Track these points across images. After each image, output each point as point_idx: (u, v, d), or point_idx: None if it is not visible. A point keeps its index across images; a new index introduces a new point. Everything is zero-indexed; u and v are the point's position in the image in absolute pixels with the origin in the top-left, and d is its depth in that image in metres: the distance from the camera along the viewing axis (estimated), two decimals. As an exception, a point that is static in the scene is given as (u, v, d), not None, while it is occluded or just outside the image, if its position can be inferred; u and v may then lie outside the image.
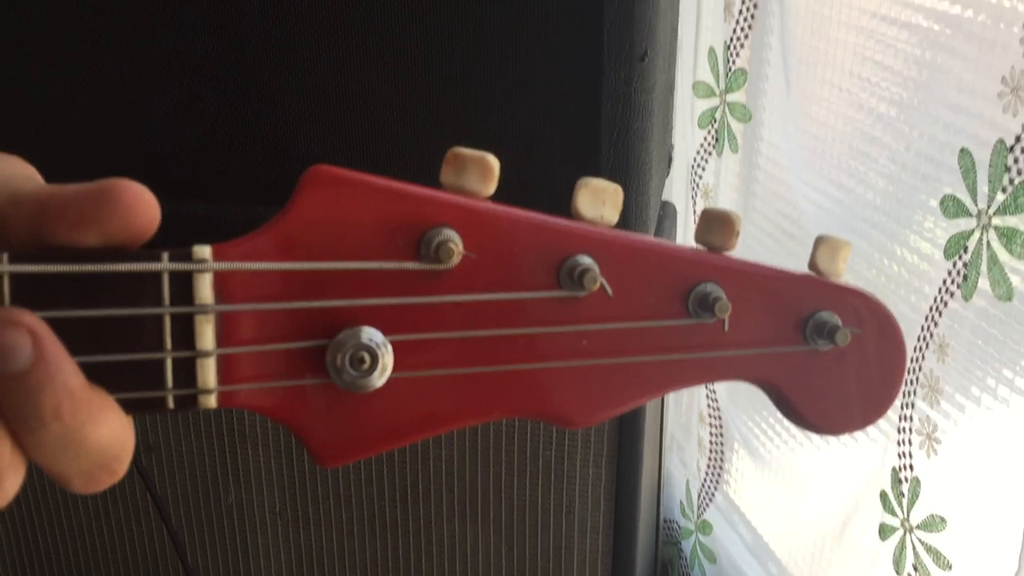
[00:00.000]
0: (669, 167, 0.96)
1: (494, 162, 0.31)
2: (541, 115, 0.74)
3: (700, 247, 0.34)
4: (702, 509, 1.10)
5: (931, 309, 0.67)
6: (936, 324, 0.66)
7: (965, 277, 0.62)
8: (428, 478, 0.87)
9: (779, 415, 0.96)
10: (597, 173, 0.74)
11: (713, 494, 1.08)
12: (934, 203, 0.66)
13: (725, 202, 0.98)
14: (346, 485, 0.89)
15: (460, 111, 0.75)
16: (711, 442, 1.05)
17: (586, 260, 0.31)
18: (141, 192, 0.29)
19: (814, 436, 0.88)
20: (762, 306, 0.34)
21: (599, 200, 0.32)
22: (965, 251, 0.62)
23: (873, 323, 0.35)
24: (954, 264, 0.64)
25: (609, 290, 0.32)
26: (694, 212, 1.03)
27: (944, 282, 0.65)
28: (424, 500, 0.88)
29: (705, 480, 1.09)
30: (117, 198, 0.28)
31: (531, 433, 0.84)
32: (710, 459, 1.06)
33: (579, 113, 0.72)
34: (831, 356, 0.35)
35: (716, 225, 0.33)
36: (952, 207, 0.63)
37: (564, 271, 0.31)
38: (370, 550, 0.92)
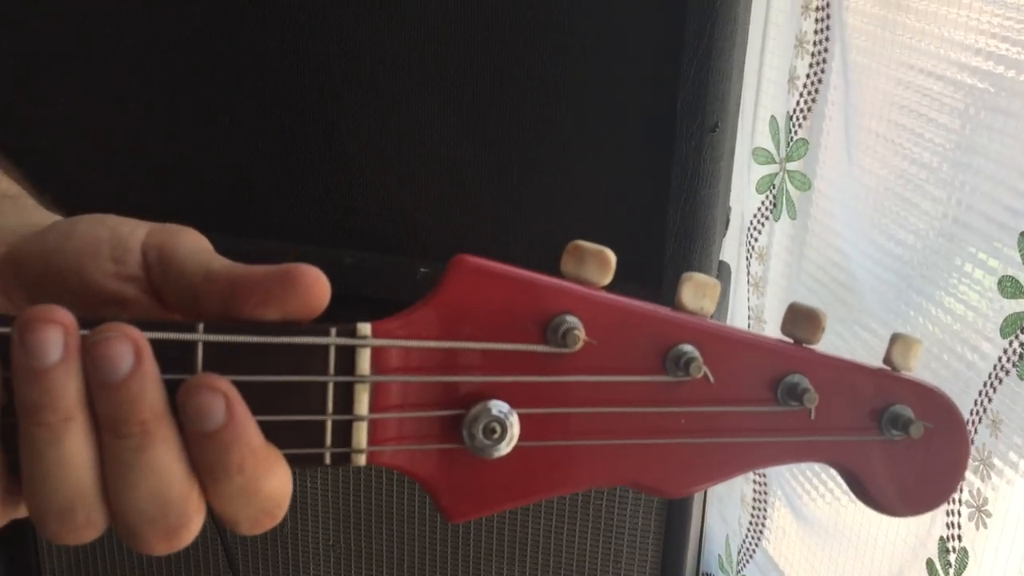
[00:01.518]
0: (726, 228, 0.99)
1: (611, 256, 0.34)
2: (611, 179, 0.77)
3: (787, 339, 0.37)
4: (741, 565, 1.11)
5: (985, 385, 0.69)
6: (990, 400, 0.68)
7: (1021, 356, 0.64)
8: (480, 519, 0.90)
9: (824, 475, 0.98)
10: (663, 236, 0.77)
11: (753, 551, 1.09)
12: (991, 281, 0.68)
13: (778, 264, 1.01)
14: (399, 521, 0.92)
15: (533, 172, 0.79)
16: (754, 498, 1.07)
17: (691, 349, 0.34)
18: (318, 276, 0.33)
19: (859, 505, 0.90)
20: (843, 397, 0.37)
21: (701, 293, 0.35)
22: (1022, 331, 0.64)
23: (942, 417, 0.38)
24: (1010, 343, 0.66)
25: (711, 378, 0.35)
26: (748, 273, 1.05)
27: (999, 359, 0.67)
28: (475, 541, 0.91)
29: (746, 536, 1.10)
30: (299, 281, 0.32)
31: (583, 481, 0.86)
32: (752, 515, 1.08)
33: (649, 179, 0.75)
34: (903, 445, 0.38)
35: (803, 320, 0.37)
36: (1010, 287, 0.66)
37: (670, 358, 0.35)
38: (419, 586, 0.94)
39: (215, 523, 0.96)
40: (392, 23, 0.77)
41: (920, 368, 0.82)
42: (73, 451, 0.30)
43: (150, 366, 0.30)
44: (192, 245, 0.36)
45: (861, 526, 0.91)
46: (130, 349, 0.30)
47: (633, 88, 0.74)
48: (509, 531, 0.90)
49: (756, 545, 1.09)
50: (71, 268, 0.36)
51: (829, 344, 0.90)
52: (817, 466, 0.97)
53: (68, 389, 0.30)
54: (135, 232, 0.37)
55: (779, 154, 0.96)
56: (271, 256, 0.89)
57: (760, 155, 0.99)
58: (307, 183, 0.85)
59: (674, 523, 0.85)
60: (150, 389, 0.30)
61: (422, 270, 0.83)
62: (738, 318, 1.10)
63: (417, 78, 0.78)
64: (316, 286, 0.32)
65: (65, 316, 0.30)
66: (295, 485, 0.93)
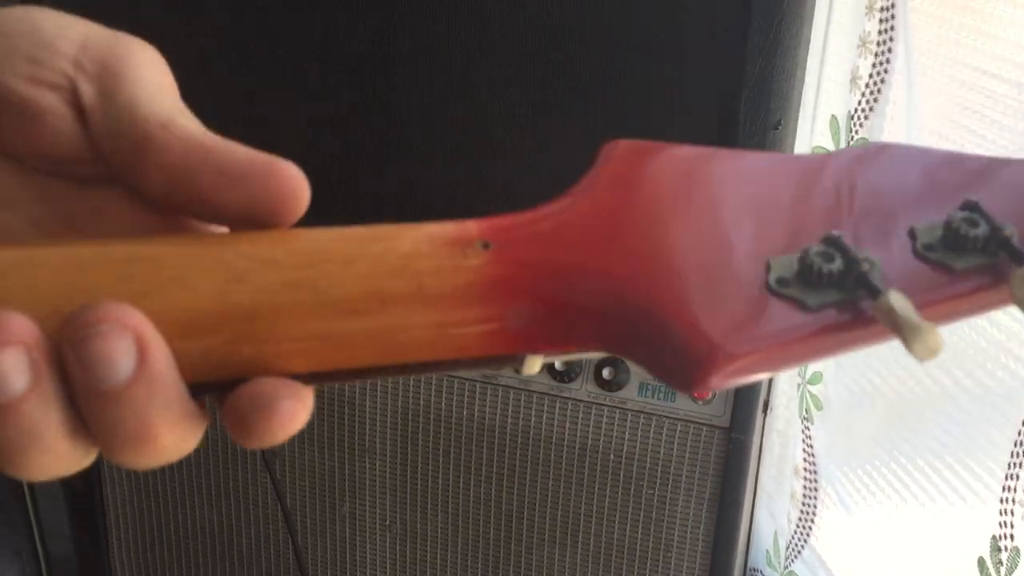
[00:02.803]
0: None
1: None
2: (673, 173, 0.79)
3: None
4: (789, 561, 1.12)
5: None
6: (1048, 401, 0.68)
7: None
8: (534, 505, 0.92)
9: (875, 473, 0.98)
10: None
11: (801, 547, 1.10)
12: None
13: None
14: (455, 504, 0.95)
15: (588, 167, 0.81)
16: (804, 495, 1.08)
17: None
18: (302, 186, 0.28)
19: (912, 497, 0.90)
20: None
21: None
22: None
23: None
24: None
25: None
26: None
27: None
28: (528, 525, 0.93)
29: (795, 532, 1.11)
30: (282, 183, 0.27)
31: (636, 470, 0.88)
32: (801, 512, 1.09)
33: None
34: None
35: None
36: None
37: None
38: (471, 568, 0.96)
39: (282, 507, 0.99)
40: (462, 19, 0.79)
41: (964, 376, 0.82)
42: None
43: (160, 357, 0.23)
44: (153, 76, 0.29)
45: (911, 523, 0.91)
46: (131, 344, 0.23)
47: (697, 84, 0.75)
48: (562, 519, 0.92)
49: (804, 542, 1.10)
50: None
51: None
52: (868, 464, 0.97)
53: (49, 417, 0.23)
54: (66, 32, 0.28)
55: (839, 153, 0.96)
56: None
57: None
58: (370, 165, 0.87)
59: (725, 517, 0.87)
60: (159, 390, 0.23)
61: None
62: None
63: (486, 71, 0.80)
64: (294, 198, 0.27)
65: (21, 327, 0.22)
66: (356, 466, 0.96)
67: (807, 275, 0.27)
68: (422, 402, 0.92)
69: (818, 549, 1.09)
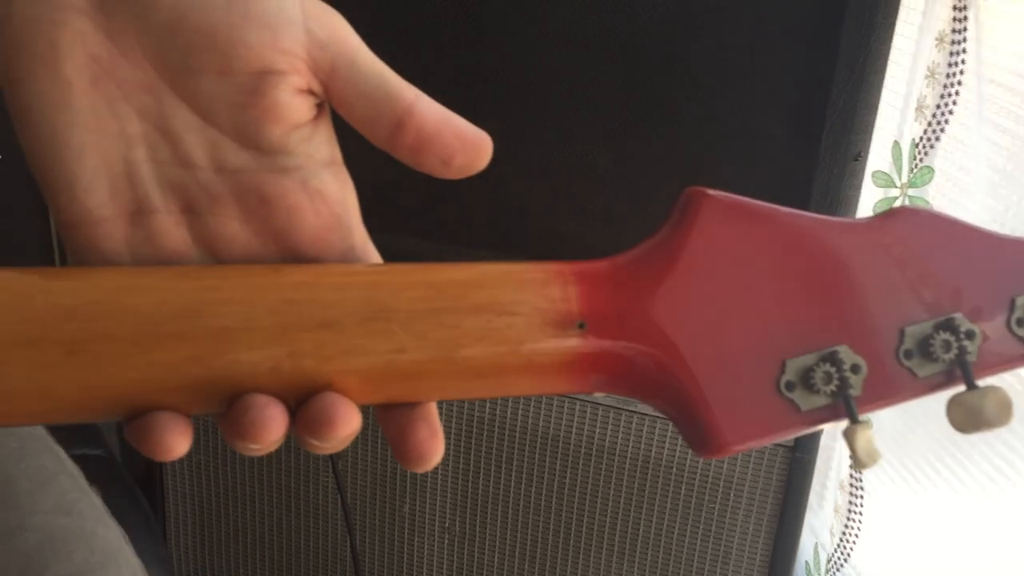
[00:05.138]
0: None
1: None
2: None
3: None
4: (830, 575, 1.14)
5: None
6: None
7: None
8: (593, 514, 0.94)
9: (924, 494, 1.00)
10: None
11: (843, 563, 1.12)
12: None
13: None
14: (514, 509, 0.97)
15: (670, 189, 0.83)
16: (849, 509, 1.10)
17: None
18: (488, 153, 0.33)
19: (956, 518, 0.92)
20: None
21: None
22: None
23: None
24: None
25: None
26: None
27: None
28: (586, 534, 0.95)
29: (837, 547, 1.13)
30: (481, 156, 0.33)
31: (698, 484, 0.90)
32: (845, 526, 1.11)
33: (790, 205, 0.78)
34: None
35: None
36: None
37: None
38: (528, 573, 0.99)
39: (343, 502, 1.01)
40: (547, 39, 0.81)
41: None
42: None
43: None
44: (369, 65, 0.32)
45: (958, 545, 0.93)
46: (348, 435, 0.31)
47: (780, 115, 0.77)
48: (620, 528, 0.94)
49: (846, 558, 1.12)
50: (212, 22, 0.29)
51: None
52: (915, 478, 1.00)
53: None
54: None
55: (900, 179, 0.98)
56: (413, 254, 0.94)
57: (879, 178, 1.01)
58: (450, 184, 0.89)
59: (784, 534, 0.89)
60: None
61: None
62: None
63: (566, 93, 0.82)
64: (483, 161, 0.33)
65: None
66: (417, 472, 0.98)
67: (808, 384, 0.34)
68: (487, 410, 0.94)
69: (860, 566, 1.12)
